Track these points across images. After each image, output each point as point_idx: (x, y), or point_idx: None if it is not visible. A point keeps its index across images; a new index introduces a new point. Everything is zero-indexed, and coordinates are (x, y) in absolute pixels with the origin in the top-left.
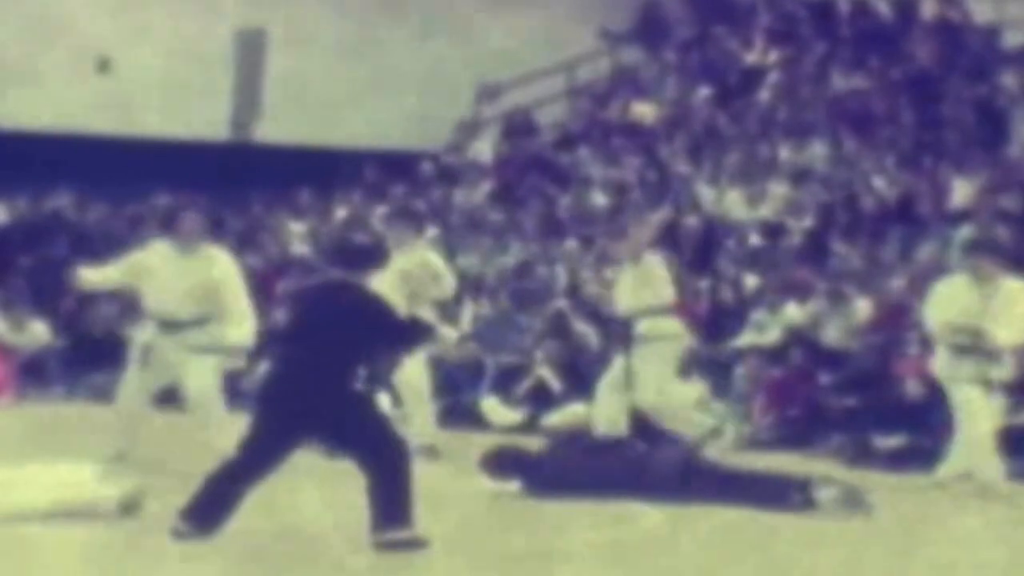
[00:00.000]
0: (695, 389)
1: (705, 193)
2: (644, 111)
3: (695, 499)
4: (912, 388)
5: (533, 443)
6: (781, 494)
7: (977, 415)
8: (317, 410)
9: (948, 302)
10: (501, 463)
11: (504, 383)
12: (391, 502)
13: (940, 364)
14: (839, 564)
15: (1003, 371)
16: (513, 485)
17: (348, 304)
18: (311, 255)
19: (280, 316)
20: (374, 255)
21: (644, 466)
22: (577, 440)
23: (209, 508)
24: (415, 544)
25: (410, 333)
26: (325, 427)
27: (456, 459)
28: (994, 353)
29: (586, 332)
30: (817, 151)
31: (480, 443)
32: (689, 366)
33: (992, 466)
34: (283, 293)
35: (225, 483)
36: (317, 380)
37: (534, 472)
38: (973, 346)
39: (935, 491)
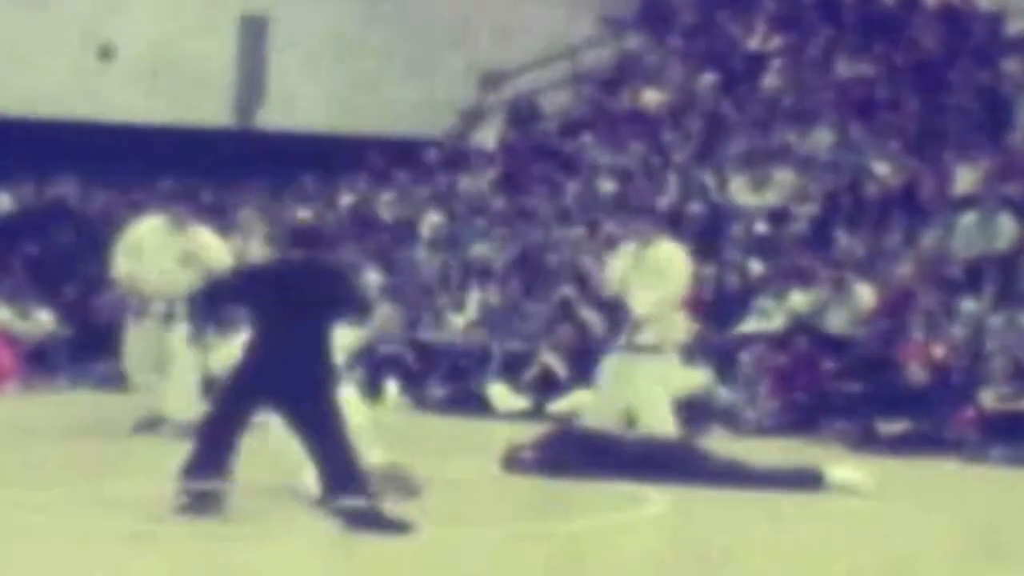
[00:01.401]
0: (700, 375)
1: (710, 180)
2: (649, 98)
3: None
4: (915, 374)
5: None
6: (789, 479)
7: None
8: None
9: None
10: (518, 460)
11: (511, 369)
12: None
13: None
14: (845, 545)
15: (650, 335)
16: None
17: (318, 280)
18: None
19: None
20: (322, 236)
21: (647, 456)
22: (575, 431)
23: (208, 460)
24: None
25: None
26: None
27: (464, 444)
28: (639, 319)
29: (592, 319)
30: (822, 137)
31: (487, 429)
32: (694, 352)
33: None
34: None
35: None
36: (294, 351)
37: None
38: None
39: None
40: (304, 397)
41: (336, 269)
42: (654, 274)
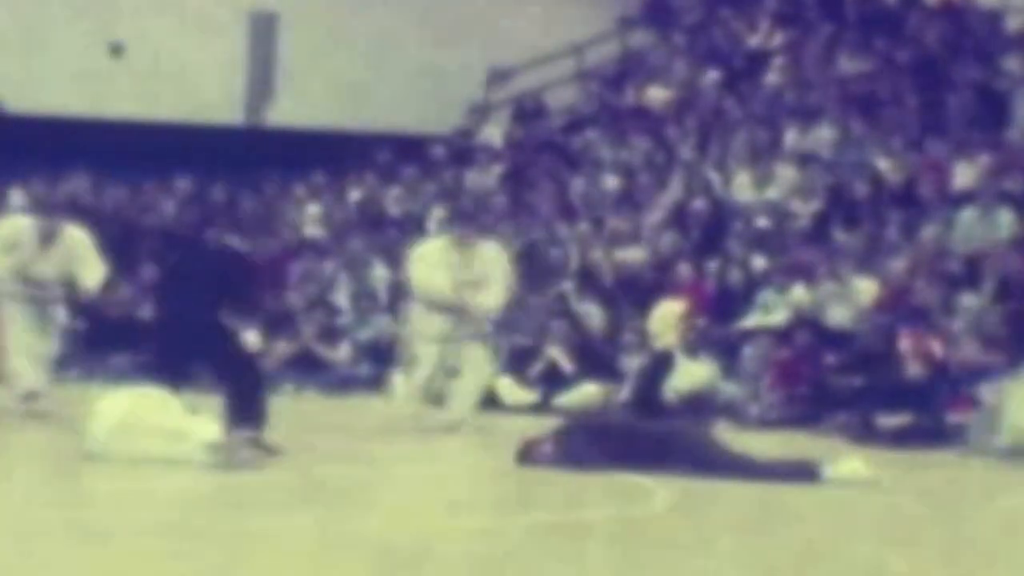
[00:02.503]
0: (705, 368)
1: (713, 176)
2: (654, 95)
3: (707, 477)
4: (915, 368)
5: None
6: (789, 473)
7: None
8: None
9: (432, 266)
10: (534, 454)
11: (517, 363)
12: (248, 411)
13: (414, 320)
14: (847, 540)
15: (480, 326)
16: None
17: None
18: (325, 236)
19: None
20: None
21: (663, 446)
22: (593, 420)
23: None
24: (265, 445)
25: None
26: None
27: (472, 437)
28: (469, 312)
29: (591, 313)
30: (823, 134)
31: (494, 423)
32: (698, 346)
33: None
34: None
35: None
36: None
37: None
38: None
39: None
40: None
41: (232, 256)
42: (485, 271)
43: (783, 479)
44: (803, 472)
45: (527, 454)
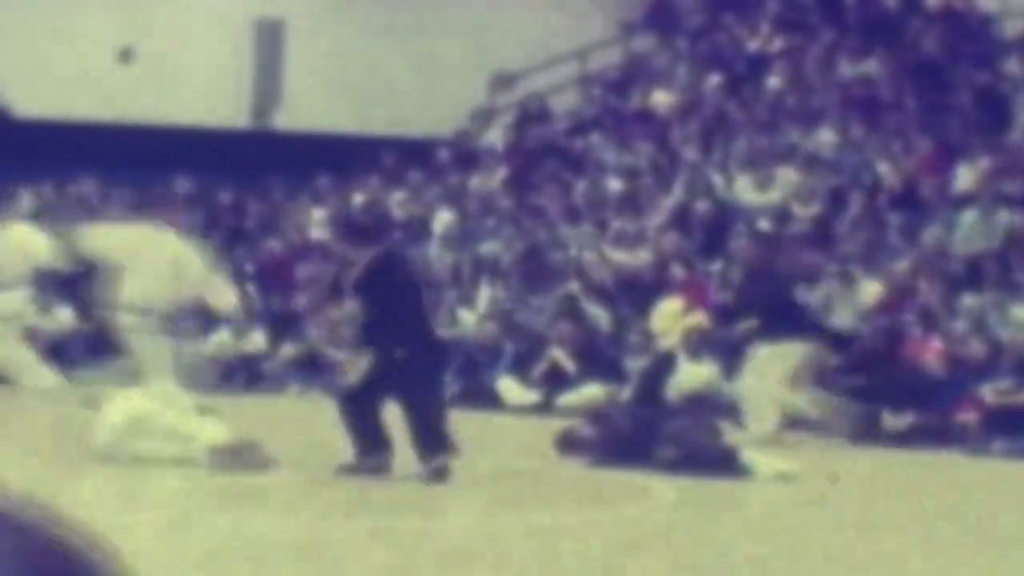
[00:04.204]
0: (708, 369)
1: (716, 178)
2: (659, 99)
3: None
4: (919, 368)
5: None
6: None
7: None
8: None
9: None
10: (573, 443)
11: (520, 364)
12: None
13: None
14: (846, 539)
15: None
16: None
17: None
18: (330, 239)
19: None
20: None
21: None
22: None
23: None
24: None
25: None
26: None
27: (476, 438)
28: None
29: (598, 314)
30: (825, 137)
31: (499, 422)
32: (701, 347)
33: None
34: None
35: None
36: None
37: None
38: None
39: None
40: None
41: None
42: (17, 251)
43: (706, 466)
44: (724, 459)
45: (568, 442)
